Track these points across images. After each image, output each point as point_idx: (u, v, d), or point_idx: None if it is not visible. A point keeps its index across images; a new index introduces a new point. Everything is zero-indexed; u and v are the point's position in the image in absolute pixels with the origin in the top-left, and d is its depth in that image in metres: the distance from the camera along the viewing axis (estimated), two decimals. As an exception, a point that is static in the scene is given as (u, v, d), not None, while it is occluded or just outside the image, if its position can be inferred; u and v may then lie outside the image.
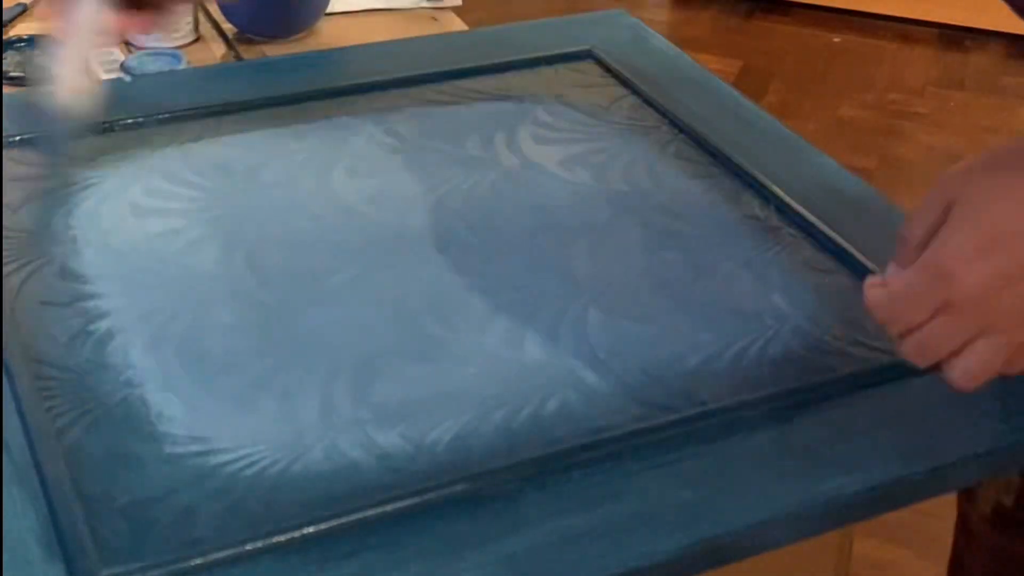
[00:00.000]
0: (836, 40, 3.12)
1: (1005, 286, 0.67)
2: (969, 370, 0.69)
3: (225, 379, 0.78)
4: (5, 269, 0.86)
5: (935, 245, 0.68)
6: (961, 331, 0.69)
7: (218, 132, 1.04)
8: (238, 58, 1.38)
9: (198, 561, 0.66)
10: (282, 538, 0.67)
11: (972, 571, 1.06)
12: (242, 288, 0.86)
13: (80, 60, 0.84)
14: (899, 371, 0.81)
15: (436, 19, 1.45)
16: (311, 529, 0.68)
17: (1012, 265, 0.67)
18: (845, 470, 0.73)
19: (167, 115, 1.05)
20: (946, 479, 0.76)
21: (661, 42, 1.21)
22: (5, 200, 0.93)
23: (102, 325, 0.82)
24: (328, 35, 1.42)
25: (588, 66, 1.16)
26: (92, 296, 0.85)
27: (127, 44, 1.39)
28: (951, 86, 2.93)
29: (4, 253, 0.88)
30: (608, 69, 1.14)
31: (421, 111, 1.08)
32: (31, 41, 1.36)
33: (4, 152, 0.98)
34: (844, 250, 0.91)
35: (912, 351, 0.70)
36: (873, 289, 0.71)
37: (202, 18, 1.43)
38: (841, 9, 3.18)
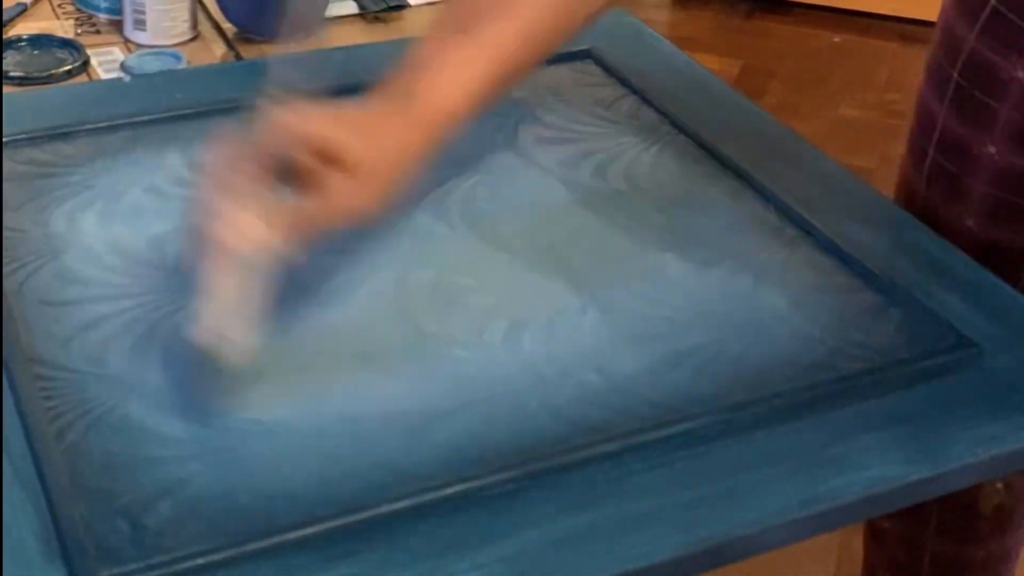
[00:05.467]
0: (836, 40, 3.12)
1: None
2: None
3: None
4: (5, 269, 0.86)
5: None
6: None
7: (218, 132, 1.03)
8: (238, 58, 1.37)
9: (198, 561, 0.66)
10: (282, 538, 0.67)
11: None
12: (242, 288, 0.86)
13: (241, 302, 0.73)
14: (899, 372, 0.81)
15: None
16: (311, 529, 0.68)
17: None
18: (845, 470, 0.73)
19: (167, 115, 1.05)
20: (946, 480, 0.76)
21: (661, 42, 1.21)
22: (5, 200, 0.93)
23: (102, 325, 0.82)
24: (328, 35, 1.42)
25: (588, 66, 1.16)
26: (92, 296, 0.85)
27: (127, 44, 1.39)
28: (951, 86, 2.92)
29: (4, 253, 0.88)
30: (608, 69, 1.14)
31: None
32: (31, 41, 1.36)
33: (4, 152, 0.98)
34: (844, 250, 0.91)
35: None
36: None
37: (202, 17, 1.43)
38: (841, 9, 3.18)
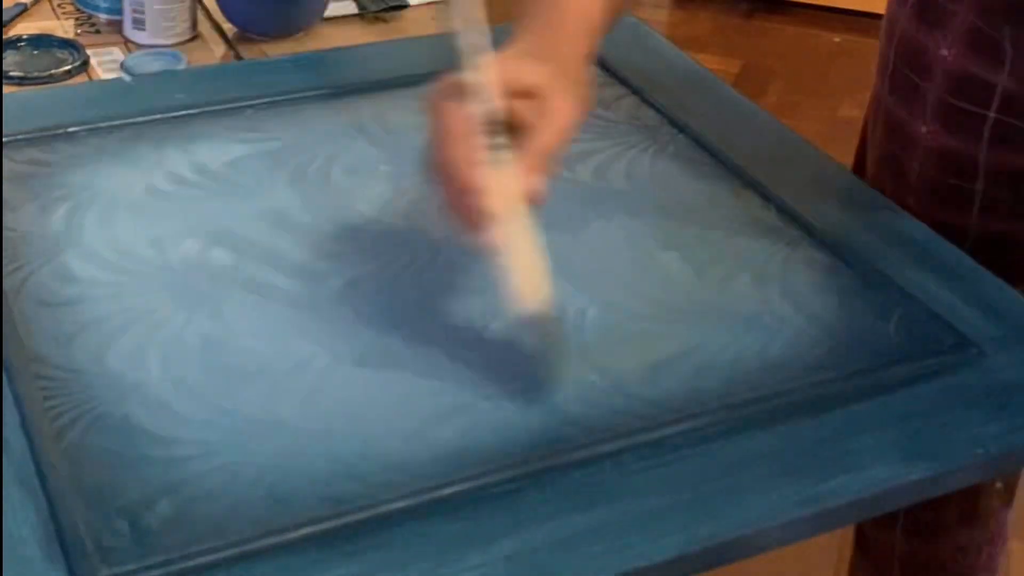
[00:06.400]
0: (836, 40, 3.12)
1: None
2: None
3: (225, 379, 0.78)
4: (5, 269, 0.86)
5: None
6: None
7: (218, 132, 1.04)
8: (238, 58, 1.38)
9: (198, 561, 0.66)
10: (282, 538, 0.67)
11: None
12: (241, 288, 0.86)
13: (535, 259, 0.77)
14: (899, 372, 0.81)
15: (436, 19, 1.46)
16: (311, 529, 0.68)
17: None
18: (845, 470, 0.73)
19: (167, 115, 1.05)
20: (946, 479, 0.76)
21: (661, 42, 1.21)
22: (5, 200, 0.93)
23: (102, 325, 0.82)
24: (328, 35, 1.42)
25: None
26: (92, 296, 0.85)
27: (127, 44, 1.39)
28: (951, 86, 2.92)
29: (4, 253, 0.88)
30: (608, 69, 1.14)
31: (421, 111, 1.08)
32: (31, 41, 1.36)
33: (4, 152, 0.98)
34: (844, 250, 0.91)
35: None
36: None
37: (202, 17, 1.43)
38: (841, 9, 3.18)
